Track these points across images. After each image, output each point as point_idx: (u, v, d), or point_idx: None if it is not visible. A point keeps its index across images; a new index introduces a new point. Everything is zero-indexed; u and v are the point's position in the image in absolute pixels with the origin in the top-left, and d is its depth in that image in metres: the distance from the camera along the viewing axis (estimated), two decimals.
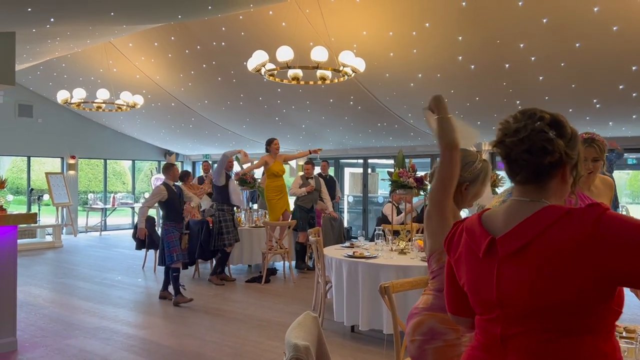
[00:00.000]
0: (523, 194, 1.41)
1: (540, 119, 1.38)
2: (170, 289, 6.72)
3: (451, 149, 2.32)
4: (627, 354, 2.07)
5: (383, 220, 8.51)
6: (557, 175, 1.39)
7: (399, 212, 8.39)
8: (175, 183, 6.93)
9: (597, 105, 7.34)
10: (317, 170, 10.12)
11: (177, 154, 16.07)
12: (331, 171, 12.84)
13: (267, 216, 8.83)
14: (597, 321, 1.30)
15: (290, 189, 8.94)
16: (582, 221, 1.28)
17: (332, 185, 10.09)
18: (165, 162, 7.03)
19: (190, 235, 8.07)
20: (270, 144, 8.44)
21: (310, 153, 9.05)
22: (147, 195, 16.56)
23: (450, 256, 1.55)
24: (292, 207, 9.16)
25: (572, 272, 1.26)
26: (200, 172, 13.19)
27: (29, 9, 4.88)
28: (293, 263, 8.64)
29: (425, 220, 2.40)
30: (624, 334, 2.37)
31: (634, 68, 6.25)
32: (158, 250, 7.09)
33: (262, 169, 8.80)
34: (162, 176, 16.02)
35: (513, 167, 1.41)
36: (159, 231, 9.51)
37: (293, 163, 12.35)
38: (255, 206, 10.47)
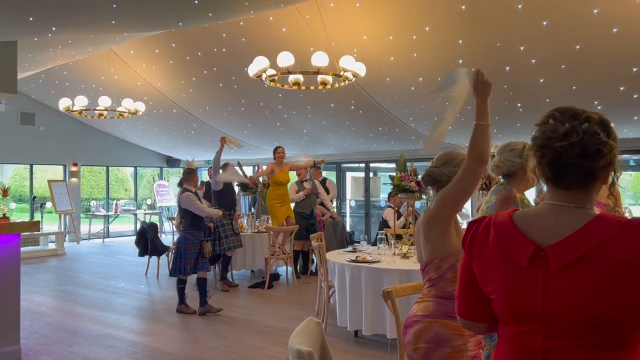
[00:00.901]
0: (566, 199, 1.32)
1: (588, 120, 1.30)
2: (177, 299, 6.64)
3: (480, 162, 2.25)
4: None
5: (385, 224, 8.51)
6: (602, 177, 1.32)
7: (399, 216, 8.38)
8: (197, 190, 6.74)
9: (598, 107, 7.33)
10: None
11: (180, 161, 16.10)
12: (333, 175, 12.86)
13: (269, 221, 8.83)
14: None
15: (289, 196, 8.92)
16: None
17: (331, 187, 10.09)
18: (186, 168, 6.81)
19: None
20: (274, 152, 8.51)
21: (315, 164, 9.06)
22: (149, 201, 16.64)
23: (471, 258, 1.44)
24: None
25: (629, 288, 1.21)
26: (203, 177, 13.23)
27: (31, 18, 4.91)
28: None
29: (424, 227, 2.36)
30: None
31: (634, 69, 6.25)
32: (172, 259, 6.82)
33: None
34: (164, 183, 16.08)
35: (559, 171, 1.31)
36: (160, 239, 9.52)
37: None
38: (253, 210, 10.49)
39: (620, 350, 1.26)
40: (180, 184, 6.65)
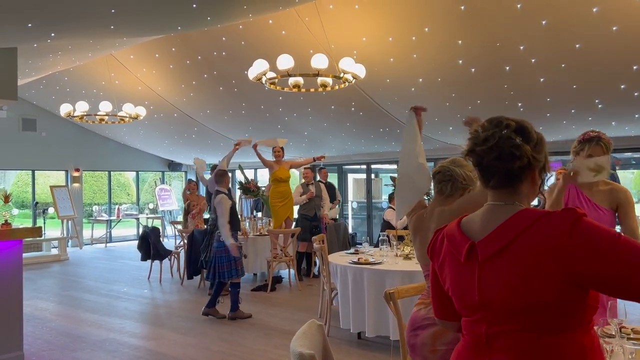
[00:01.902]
0: (497, 199, 1.49)
1: (507, 127, 1.45)
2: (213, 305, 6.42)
3: None
4: (634, 355, 2.05)
5: (387, 225, 8.50)
6: (528, 179, 1.47)
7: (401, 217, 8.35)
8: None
9: (599, 106, 7.32)
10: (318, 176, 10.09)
11: (181, 165, 16.11)
12: (334, 177, 12.85)
13: (271, 224, 8.84)
14: (575, 318, 1.37)
15: (292, 197, 8.92)
16: (558, 225, 1.35)
17: (332, 190, 10.10)
18: (217, 169, 6.62)
19: (194, 244, 8.07)
20: (272, 151, 8.56)
21: (315, 160, 9.07)
22: (151, 206, 16.65)
23: (433, 262, 1.62)
24: (295, 215, 9.16)
25: (548, 273, 1.34)
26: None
27: (29, 25, 4.92)
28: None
29: (422, 230, 2.37)
30: (632, 335, 2.36)
31: (634, 67, 6.24)
32: (211, 265, 6.27)
33: (267, 175, 8.84)
34: (166, 187, 16.10)
35: (485, 173, 1.49)
36: (162, 243, 9.52)
37: (297, 171, 12.34)
38: (260, 214, 10.46)
39: (559, 334, 1.37)
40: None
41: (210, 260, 6.36)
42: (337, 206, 9.77)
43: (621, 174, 10.73)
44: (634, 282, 1.28)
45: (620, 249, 1.29)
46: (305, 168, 9.40)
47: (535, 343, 1.37)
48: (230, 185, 6.73)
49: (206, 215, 9.13)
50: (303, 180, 9.23)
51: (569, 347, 1.37)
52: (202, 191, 11.46)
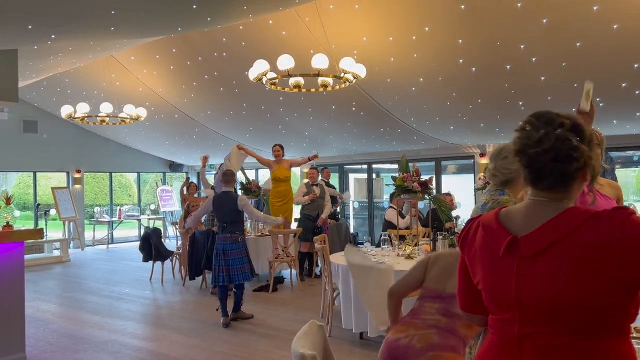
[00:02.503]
0: (544, 196, 1.41)
1: (561, 126, 1.38)
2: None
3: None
4: None
5: (389, 225, 8.49)
6: (580, 178, 1.40)
7: (403, 217, 8.36)
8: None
9: (601, 104, 7.31)
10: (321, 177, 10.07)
11: (182, 166, 16.12)
12: (336, 177, 12.85)
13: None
14: (615, 324, 1.31)
15: (295, 197, 8.92)
16: (609, 225, 1.29)
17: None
18: (227, 170, 6.58)
19: (196, 246, 8.07)
20: (272, 150, 8.60)
21: (310, 160, 9.07)
22: (153, 207, 16.66)
23: (464, 253, 1.55)
24: (297, 215, 9.15)
25: (596, 275, 1.28)
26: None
27: (30, 27, 4.92)
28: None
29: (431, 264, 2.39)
30: (634, 334, 2.35)
31: (635, 66, 6.23)
32: (221, 268, 6.05)
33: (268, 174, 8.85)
34: (168, 188, 16.11)
35: (537, 175, 1.40)
36: (164, 244, 9.51)
37: (298, 170, 12.35)
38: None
39: (597, 340, 1.31)
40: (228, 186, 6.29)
41: (218, 264, 6.07)
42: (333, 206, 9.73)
43: (623, 172, 10.71)
44: None
45: None
46: (311, 168, 9.40)
47: (571, 347, 1.31)
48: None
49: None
50: (307, 180, 9.20)
51: (607, 353, 1.31)
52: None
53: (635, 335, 2.34)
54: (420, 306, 2.41)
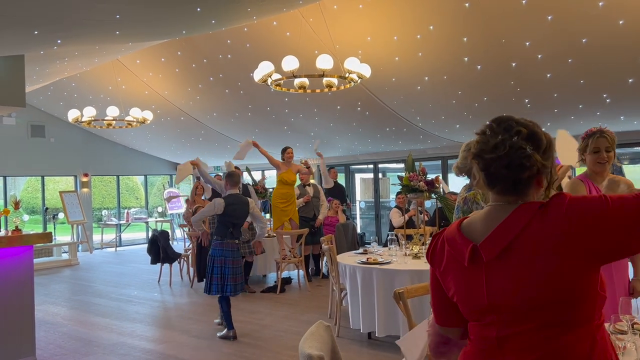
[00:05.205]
0: (500, 200, 1.45)
1: (517, 133, 1.40)
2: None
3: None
4: None
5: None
6: (534, 184, 1.43)
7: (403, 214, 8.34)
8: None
9: (607, 100, 7.27)
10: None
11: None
12: (342, 177, 12.83)
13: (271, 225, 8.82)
14: (588, 310, 1.35)
15: None
16: (555, 213, 1.34)
17: (341, 191, 10.06)
18: (232, 171, 6.35)
19: (203, 247, 8.07)
20: (284, 152, 8.57)
21: (306, 163, 8.98)
22: (160, 209, 16.72)
23: (434, 268, 1.57)
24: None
25: (559, 264, 1.32)
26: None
27: (36, 32, 4.96)
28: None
29: None
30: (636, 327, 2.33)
31: None
32: (230, 276, 5.68)
33: (274, 173, 8.79)
34: (175, 190, 16.16)
35: (491, 179, 1.44)
36: (172, 246, 9.53)
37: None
38: (268, 216, 10.46)
39: (572, 329, 1.35)
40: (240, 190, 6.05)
41: (224, 272, 5.64)
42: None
43: (631, 168, 10.63)
44: (635, 233, 1.30)
45: (613, 209, 1.30)
46: (301, 172, 9.16)
47: (549, 340, 1.35)
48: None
49: None
50: (299, 183, 9.07)
51: (582, 341, 1.34)
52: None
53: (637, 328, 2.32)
54: None
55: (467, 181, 3.54)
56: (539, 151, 1.41)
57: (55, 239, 11.92)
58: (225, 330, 5.68)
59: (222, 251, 5.65)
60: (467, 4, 6.01)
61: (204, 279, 8.25)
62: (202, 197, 9.78)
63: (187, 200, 10.20)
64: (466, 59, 6.94)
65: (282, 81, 6.47)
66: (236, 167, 8.20)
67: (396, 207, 8.57)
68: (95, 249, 14.19)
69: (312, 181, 9.35)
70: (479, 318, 1.45)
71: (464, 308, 1.49)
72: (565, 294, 1.32)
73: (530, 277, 1.33)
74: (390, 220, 8.47)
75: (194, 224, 6.11)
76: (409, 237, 6.36)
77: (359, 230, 11.91)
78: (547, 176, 1.44)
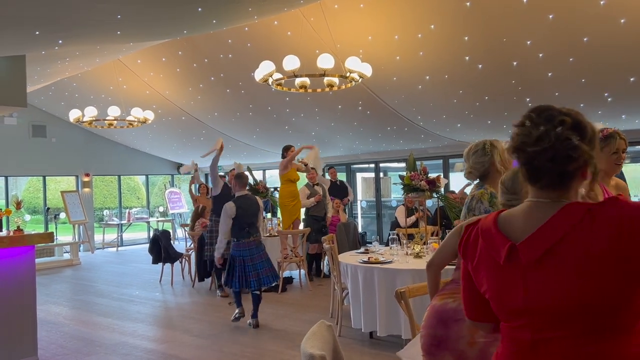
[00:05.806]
0: (542, 196, 1.36)
1: (561, 123, 1.31)
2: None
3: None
4: None
5: (397, 224, 8.48)
6: (579, 176, 1.34)
7: (411, 214, 8.34)
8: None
9: (609, 99, 7.27)
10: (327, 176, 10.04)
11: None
12: (343, 177, 12.83)
13: (281, 225, 8.83)
14: (630, 318, 1.28)
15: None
16: (607, 219, 1.25)
17: (344, 189, 10.06)
18: (239, 172, 6.48)
19: (203, 247, 8.08)
20: (287, 150, 8.50)
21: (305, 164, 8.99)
22: (161, 209, 16.72)
23: (467, 262, 1.49)
24: (303, 216, 9.12)
25: (604, 271, 1.24)
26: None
27: (37, 32, 4.96)
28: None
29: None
30: None
31: None
32: (250, 273, 5.91)
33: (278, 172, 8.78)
34: (176, 190, 16.15)
35: (535, 173, 1.35)
36: (173, 246, 9.53)
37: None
38: (269, 215, 10.46)
39: (611, 338, 1.27)
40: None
41: (245, 270, 5.87)
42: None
43: (632, 167, 10.62)
44: None
45: None
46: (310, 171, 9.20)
47: (586, 348, 1.27)
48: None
49: None
50: (307, 182, 9.07)
51: (622, 351, 1.27)
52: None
53: None
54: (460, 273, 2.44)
55: (467, 182, 3.52)
56: (585, 141, 1.32)
57: (56, 239, 11.93)
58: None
59: (240, 251, 5.92)
60: (468, 3, 6.01)
61: (204, 279, 8.36)
62: (208, 197, 9.78)
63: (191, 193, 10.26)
64: (467, 58, 6.94)
65: (283, 81, 6.46)
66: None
67: (402, 205, 8.56)
68: (97, 248, 14.21)
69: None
70: (511, 319, 1.38)
71: (497, 307, 1.42)
72: (608, 302, 1.25)
73: (572, 283, 1.26)
74: (396, 218, 8.46)
75: (221, 237, 6.00)
76: (410, 236, 6.36)
77: (360, 230, 11.91)
78: (593, 167, 1.34)
